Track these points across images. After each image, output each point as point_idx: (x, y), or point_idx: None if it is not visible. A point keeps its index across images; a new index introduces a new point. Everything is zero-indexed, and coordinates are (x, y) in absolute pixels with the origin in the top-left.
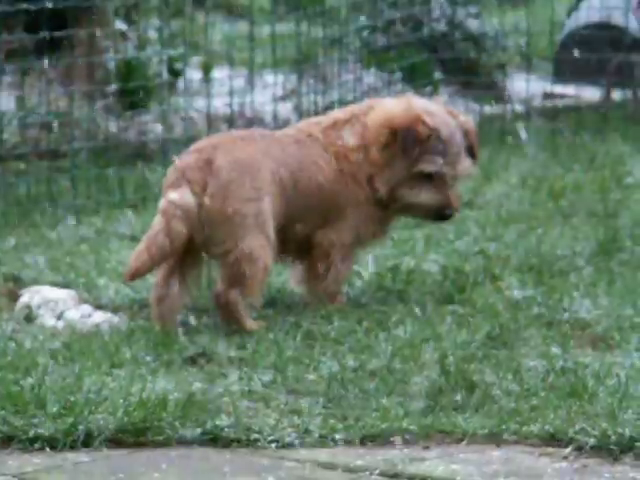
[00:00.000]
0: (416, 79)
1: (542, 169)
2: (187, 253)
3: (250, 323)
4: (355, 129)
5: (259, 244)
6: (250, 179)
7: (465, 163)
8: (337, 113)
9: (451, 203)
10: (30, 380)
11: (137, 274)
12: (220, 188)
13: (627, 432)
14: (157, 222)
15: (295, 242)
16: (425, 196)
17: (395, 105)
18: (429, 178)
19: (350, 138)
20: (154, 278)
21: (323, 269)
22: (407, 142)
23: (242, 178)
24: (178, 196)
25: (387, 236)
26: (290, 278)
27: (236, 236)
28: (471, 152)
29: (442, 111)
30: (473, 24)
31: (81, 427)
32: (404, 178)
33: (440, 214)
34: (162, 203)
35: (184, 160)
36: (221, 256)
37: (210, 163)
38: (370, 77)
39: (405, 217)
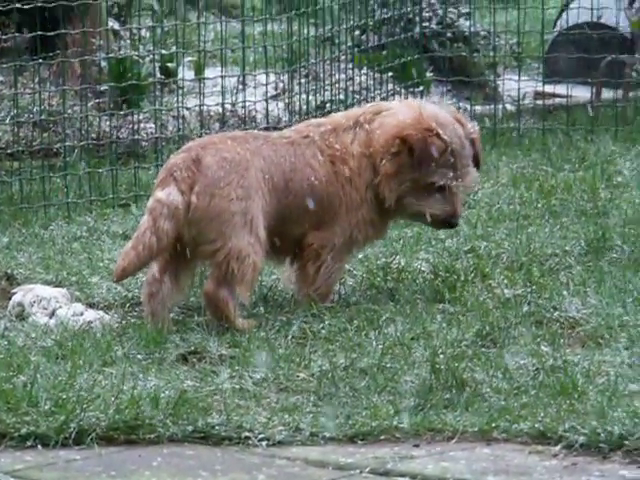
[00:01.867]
0: (407, 78)
1: (533, 168)
2: (179, 251)
3: (240, 322)
4: (358, 136)
5: (248, 243)
6: (238, 178)
7: (472, 175)
8: (340, 117)
9: (457, 213)
10: (22, 378)
11: (125, 273)
12: (207, 186)
13: (616, 430)
14: (145, 221)
15: (288, 242)
16: (433, 206)
17: (406, 114)
18: (438, 189)
19: (351, 144)
20: (145, 276)
21: (314, 270)
22: (423, 156)
23: (230, 177)
24: (165, 195)
25: (384, 238)
26: (282, 277)
27: (224, 235)
28: (475, 160)
29: (451, 120)
30: (464, 24)
31: (73, 425)
32: (413, 188)
33: (446, 223)
34: (150, 202)
35: (173, 159)
36: (210, 255)
37: (198, 162)
38: (362, 76)
39: (407, 222)
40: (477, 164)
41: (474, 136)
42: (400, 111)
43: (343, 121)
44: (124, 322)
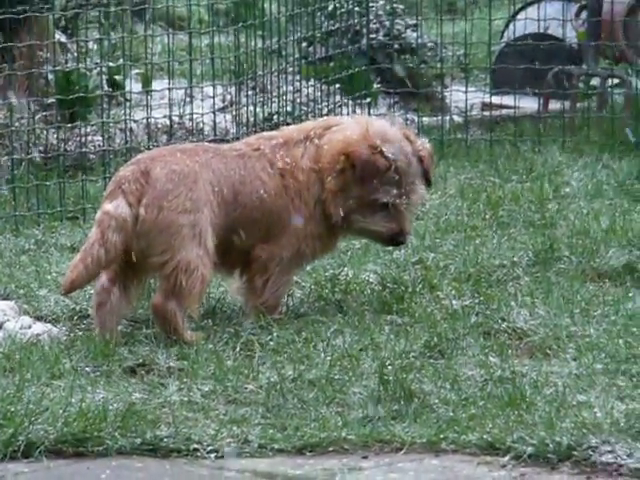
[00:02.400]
0: (355, 90)
1: (480, 179)
2: (128, 262)
3: (188, 334)
4: (308, 150)
5: (197, 255)
6: (186, 190)
7: (419, 192)
8: (291, 131)
9: (404, 230)
10: None
11: (73, 286)
12: (155, 199)
13: (565, 441)
14: (93, 233)
15: (237, 254)
16: (378, 223)
17: (352, 131)
18: (383, 206)
19: (301, 158)
20: (94, 287)
21: (261, 283)
22: (365, 174)
23: (178, 189)
24: (113, 207)
25: (333, 252)
26: (230, 289)
27: (173, 247)
28: (426, 177)
29: (399, 136)
30: (412, 35)
31: (21, 438)
32: (358, 205)
33: (392, 240)
34: (98, 214)
35: (122, 172)
36: (159, 267)
37: (147, 174)
38: (309, 88)
39: (357, 239)
40: (427, 181)
41: (422, 154)
42: (348, 127)
43: (294, 135)
44: (72, 335)
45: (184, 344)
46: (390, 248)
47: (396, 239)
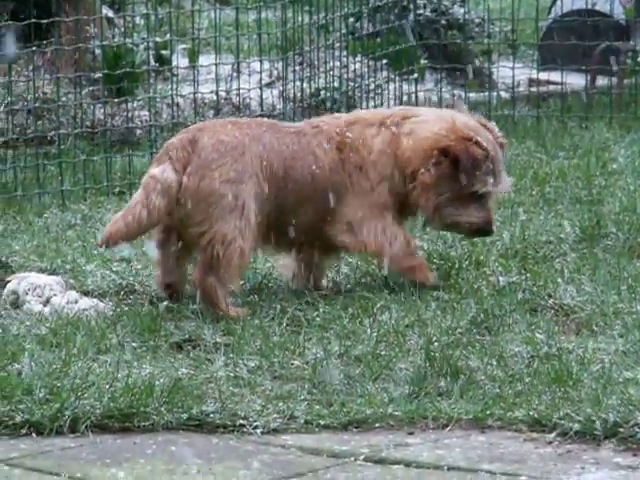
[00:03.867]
0: (402, 66)
1: (527, 155)
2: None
3: (232, 309)
4: (383, 134)
5: (235, 227)
6: (232, 161)
7: (506, 180)
8: (364, 113)
9: (490, 221)
10: (17, 366)
11: (111, 239)
12: (199, 167)
13: (611, 417)
14: (137, 194)
15: (295, 232)
16: (472, 214)
17: (440, 125)
18: (477, 197)
19: (372, 138)
20: (140, 264)
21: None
22: (468, 166)
23: (223, 159)
24: (159, 171)
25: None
26: (278, 265)
27: (211, 217)
28: None
29: (479, 125)
30: (459, 11)
31: (67, 412)
32: (452, 198)
33: (482, 231)
34: (145, 178)
35: (172, 139)
36: (197, 238)
37: (194, 143)
38: (356, 64)
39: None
40: None
41: (502, 141)
42: (433, 120)
43: (367, 116)
44: (118, 310)
45: (229, 319)
46: (476, 239)
47: (485, 229)
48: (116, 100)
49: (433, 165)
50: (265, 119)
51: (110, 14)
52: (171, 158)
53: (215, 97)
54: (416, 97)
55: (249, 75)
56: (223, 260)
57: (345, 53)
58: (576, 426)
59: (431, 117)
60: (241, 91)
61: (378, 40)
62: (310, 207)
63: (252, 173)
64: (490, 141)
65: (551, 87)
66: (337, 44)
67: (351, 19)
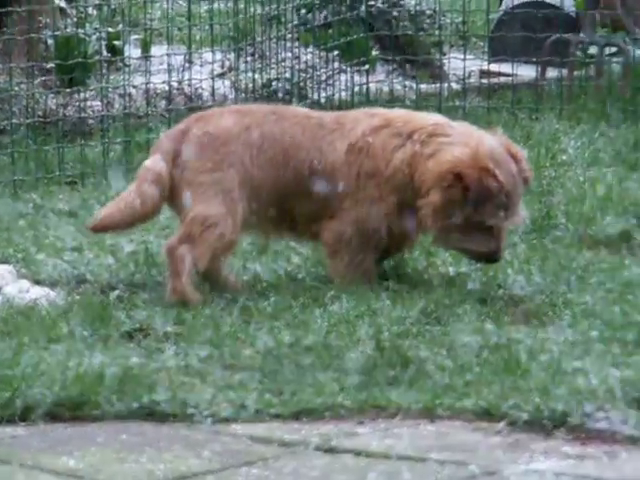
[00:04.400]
0: (353, 57)
1: None
2: None
3: (189, 288)
4: (405, 149)
5: (218, 212)
6: (211, 152)
7: (521, 214)
8: (400, 119)
9: (500, 249)
10: None
11: (101, 225)
12: (183, 159)
13: (559, 407)
14: (132, 185)
15: (303, 223)
16: (479, 243)
17: (462, 150)
18: (487, 227)
19: (392, 151)
20: (92, 253)
21: (333, 263)
22: (478, 197)
23: (203, 151)
24: (151, 162)
25: (412, 243)
26: None
27: (194, 202)
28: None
29: (506, 157)
30: (410, 2)
31: (19, 401)
32: (459, 224)
33: (488, 259)
34: (139, 169)
35: (170, 129)
36: (183, 219)
37: (185, 133)
38: (308, 55)
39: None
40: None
41: (527, 175)
42: (457, 144)
43: (399, 125)
44: (70, 299)
45: (182, 302)
46: (480, 265)
47: (492, 257)
48: (68, 90)
49: (445, 188)
50: (285, 107)
51: (63, 4)
52: (162, 149)
53: (167, 87)
54: (367, 88)
55: (201, 66)
56: (199, 239)
57: (297, 44)
58: (525, 416)
59: (458, 139)
60: (193, 81)
61: (330, 31)
62: (312, 201)
63: (235, 161)
64: (511, 174)
65: (502, 79)
66: (289, 35)
67: (303, 10)
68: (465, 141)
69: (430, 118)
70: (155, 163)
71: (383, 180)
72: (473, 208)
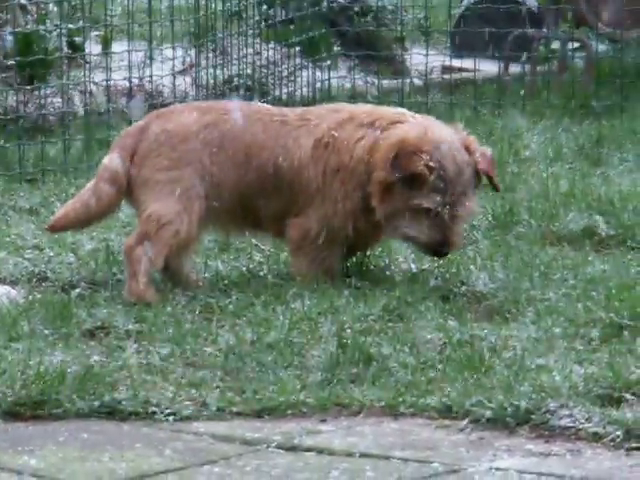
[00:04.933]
0: (315, 53)
1: None
2: None
3: (145, 288)
4: (367, 138)
5: (173, 210)
6: (168, 149)
7: (469, 204)
8: (363, 111)
9: (447, 241)
10: None
11: (58, 224)
12: (140, 157)
13: (523, 404)
14: (89, 183)
15: (269, 221)
16: (421, 231)
17: (410, 131)
18: (427, 214)
19: (356, 142)
20: (52, 252)
21: (296, 259)
22: (405, 176)
23: (160, 148)
24: (108, 160)
25: (376, 242)
26: None
27: (149, 200)
28: (491, 184)
29: (456, 145)
30: None
31: None
32: (402, 208)
33: (434, 250)
34: (99, 166)
35: (130, 126)
36: (139, 215)
37: (145, 131)
38: (269, 51)
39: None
40: (495, 187)
41: (481, 166)
42: (409, 126)
43: (363, 116)
44: (30, 297)
45: (138, 300)
46: (434, 258)
47: (438, 250)
48: (28, 87)
49: (387, 167)
50: (246, 103)
51: (23, 1)
52: (120, 146)
53: (128, 84)
54: (329, 84)
55: (162, 62)
56: (154, 237)
57: (258, 40)
58: (488, 413)
59: (414, 126)
60: (154, 78)
61: (291, 27)
62: (277, 198)
63: (193, 159)
64: (454, 161)
65: (464, 74)
66: (250, 31)
67: (264, 6)
68: (418, 127)
69: (395, 110)
70: (112, 161)
71: (348, 174)
72: (407, 189)
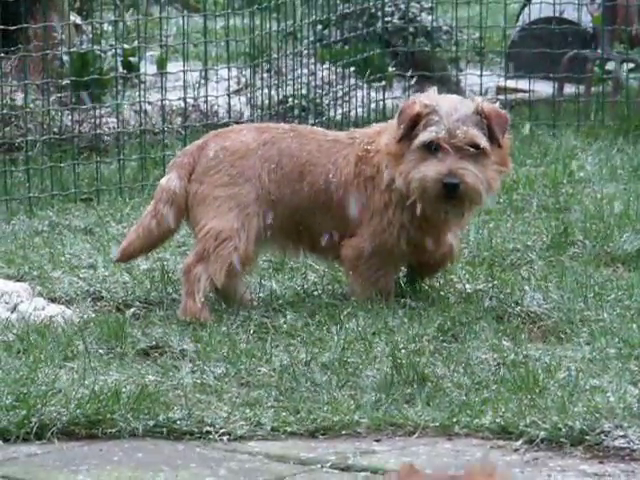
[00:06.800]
0: (370, 73)
1: None
2: None
3: (199, 307)
4: (389, 132)
5: (232, 227)
6: (227, 166)
7: (468, 131)
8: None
9: (452, 171)
10: None
11: (125, 253)
12: (200, 174)
13: (577, 425)
14: (149, 206)
15: (316, 236)
16: (426, 169)
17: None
18: (432, 153)
19: (381, 142)
20: (107, 271)
21: (353, 281)
22: (403, 119)
23: (219, 165)
24: (165, 180)
25: (438, 244)
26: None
27: (207, 216)
28: (490, 135)
29: (457, 98)
30: (427, 18)
31: (34, 419)
32: (410, 158)
33: (447, 185)
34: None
35: (188, 146)
36: (197, 233)
37: (202, 149)
38: (324, 71)
39: (432, 215)
40: (495, 140)
41: (485, 109)
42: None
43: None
44: (85, 316)
45: (193, 319)
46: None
47: (445, 183)
48: (84, 107)
49: (395, 125)
50: (302, 126)
51: (78, 21)
52: (177, 165)
53: (183, 104)
54: (384, 104)
55: (217, 82)
56: (213, 254)
57: (313, 60)
58: (542, 434)
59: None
60: (209, 98)
61: (346, 47)
62: (329, 217)
63: (252, 176)
64: (448, 101)
65: (519, 95)
66: (305, 51)
67: (319, 26)
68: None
69: None
70: (170, 181)
71: (377, 176)
72: (410, 140)
